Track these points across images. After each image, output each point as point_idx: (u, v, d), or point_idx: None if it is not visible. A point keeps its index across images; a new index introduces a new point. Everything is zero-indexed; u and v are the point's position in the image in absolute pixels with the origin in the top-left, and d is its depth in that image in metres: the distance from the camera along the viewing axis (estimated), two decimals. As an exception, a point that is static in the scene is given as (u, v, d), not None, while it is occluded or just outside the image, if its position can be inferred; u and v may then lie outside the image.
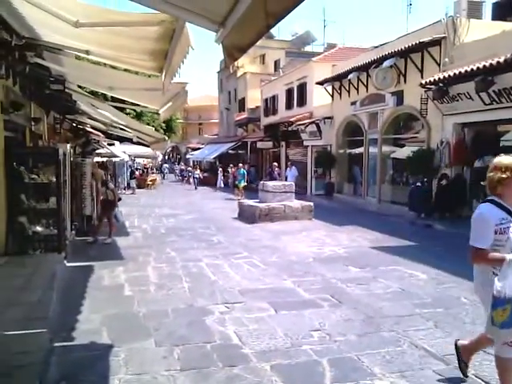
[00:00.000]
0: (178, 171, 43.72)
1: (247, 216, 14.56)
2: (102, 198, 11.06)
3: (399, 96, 16.11)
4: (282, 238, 11.41)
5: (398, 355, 4.42)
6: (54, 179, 8.08)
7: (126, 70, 11.28)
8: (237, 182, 22.75)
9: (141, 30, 4.74)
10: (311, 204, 14.83)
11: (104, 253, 9.54)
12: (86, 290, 6.75)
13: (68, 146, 9.75)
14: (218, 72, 44.24)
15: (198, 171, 33.49)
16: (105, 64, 8.22)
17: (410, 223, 13.84)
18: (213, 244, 10.69)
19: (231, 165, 28.91)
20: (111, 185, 11.02)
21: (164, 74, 6.00)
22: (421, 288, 6.80)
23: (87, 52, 5.92)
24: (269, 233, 12.17)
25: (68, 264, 8.11)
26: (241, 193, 22.06)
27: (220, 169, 30.83)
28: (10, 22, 6.11)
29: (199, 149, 45.69)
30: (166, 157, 57.86)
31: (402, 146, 16.94)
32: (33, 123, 9.83)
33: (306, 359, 4.34)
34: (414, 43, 14.35)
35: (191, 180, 32.57)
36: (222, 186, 28.72)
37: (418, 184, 14.50)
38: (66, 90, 8.80)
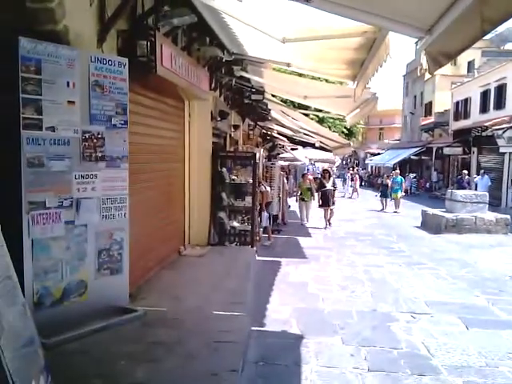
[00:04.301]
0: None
1: (431, 226, 13.83)
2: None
3: None
4: (472, 251, 10.56)
5: None
6: (251, 180, 8.90)
7: (313, 77, 11.76)
8: (390, 191, 19.30)
9: (342, 40, 4.98)
10: (508, 217, 13.37)
11: (288, 250, 10.14)
12: (274, 283, 7.30)
13: (261, 150, 10.61)
14: (404, 75, 42.76)
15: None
16: (300, 74, 8.77)
17: None
18: (394, 251, 10.48)
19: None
20: (262, 187, 11.19)
21: (357, 81, 6.19)
22: None
23: (288, 64, 6.43)
24: (456, 245, 11.39)
25: (258, 258, 8.85)
26: (397, 203, 19.08)
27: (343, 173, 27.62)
28: (223, 40, 6.98)
29: (379, 154, 44.75)
30: (344, 162, 58.01)
31: None
32: (232, 129, 10.99)
33: (503, 382, 4.04)
34: None
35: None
36: (349, 195, 26.54)
37: None
38: (264, 100, 9.64)
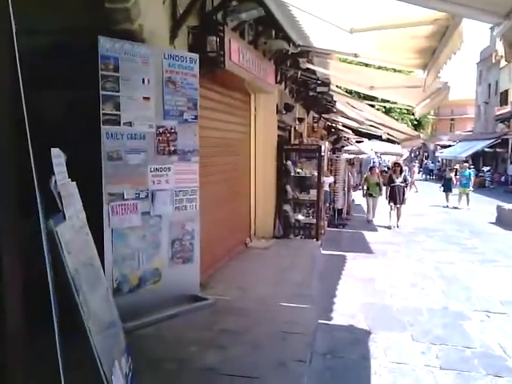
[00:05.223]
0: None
1: (507, 221, 13.07)
2: None
3: None
4: (554, 249, 9.90)
5: None
6: (316, 173, 8.85)
7: (379, 67, 11.43)
8: (457, 184, 18.28)
9: (413, 29, 4.83)
10: None
11: (354, 245, 9.99)
12: (340, 277, 7.24)
13: (327, 143, 10.52)
14: (477, 63, 40.56)
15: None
16: (366, 64, 8.59)
17: None
18: (466, 248, 10.02)
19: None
20: None
21: (427, 70, 5.98)
22: None
23: (355, 55, 6.32)
24: (535, 242, 10.72)
25: (322, 251, 8.80)
26: (467, 199, 17.55)
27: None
28: (290, 32, 6.97)
29: (450, 146, 42.82)
30: (412, 154, 56.01)
31: None
32: (297, 122, 10.96)
33: None
34: None
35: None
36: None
37: None
38: (329, 92, 9.54)
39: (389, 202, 13.27)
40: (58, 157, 2.51)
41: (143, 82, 4.03)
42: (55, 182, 2.39)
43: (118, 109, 3.86)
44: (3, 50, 1.80)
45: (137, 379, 2.89)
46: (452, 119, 53.71)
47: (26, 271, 2.04)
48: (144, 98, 4.05)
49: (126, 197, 3.94)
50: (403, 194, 13.04)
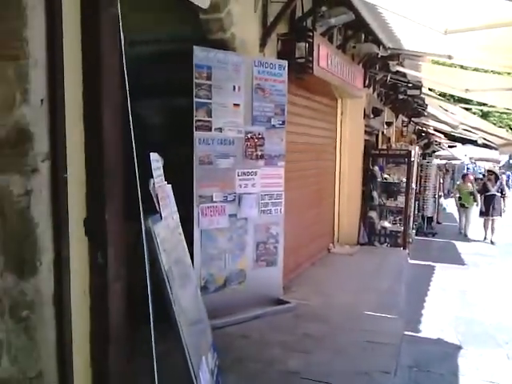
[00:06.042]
0: None
1: None
2: None
3: None
4: None
5: None
6: (404, 179, 8.56)
7: (475, 69, 10.82)
8: None
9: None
10: None
11: (444, 255, 9.54)
12: (428, 288, 6.96)
13: (416, 148, 10.14)
14: None
15: None
16: (461, 66, 8.17)
17: None
18: None
19: None
20: None
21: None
22: None
23: (449, 57, 6.05)
24: None
25: (410, 260, 8.48)
26: None
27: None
28: (379, 35, 6.83)
29: (555, 152, 39.21)
30: (511, 161, 51.95)
31: None
32: (385, 127, 10.67)
33: None
34: None
35: None
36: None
37: None
38: (420, 95, 9.20)
39: (481, 214, 12.02)
40: (156, 161, 2.68)
41: (234, 89, 4.18)
42: (153, 184, 2.56)
43: (209, 115, 4.02)
44: (114, 62, 1.97)
45: (222, 376, 3.00)
46: (558, 122, 49.12)
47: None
48: (234, 104, 4.19)
49: (214, 199, 4.10)
50: (500, 205, 11.85)
